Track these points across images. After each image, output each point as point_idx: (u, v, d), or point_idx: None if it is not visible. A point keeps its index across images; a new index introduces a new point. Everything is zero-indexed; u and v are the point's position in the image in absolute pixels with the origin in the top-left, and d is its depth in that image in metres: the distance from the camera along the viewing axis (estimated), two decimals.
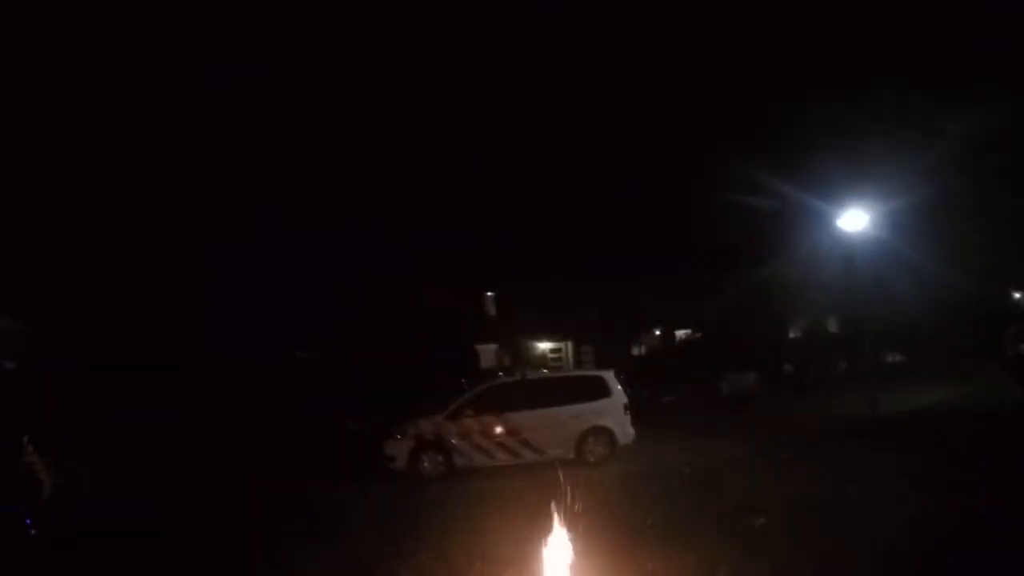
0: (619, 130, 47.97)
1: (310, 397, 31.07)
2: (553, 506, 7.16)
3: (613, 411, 18.05)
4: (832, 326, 49.83)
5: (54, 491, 6.79)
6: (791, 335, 49.75)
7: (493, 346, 42.99)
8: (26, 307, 26.91)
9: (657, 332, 48.93)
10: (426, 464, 17.35)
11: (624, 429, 17.96)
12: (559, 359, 45.08)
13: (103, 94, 33.09)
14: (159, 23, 35.79)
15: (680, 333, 49.08)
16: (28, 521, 6.52)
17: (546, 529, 7.15)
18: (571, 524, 7.13)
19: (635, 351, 47.46)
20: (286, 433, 26.75)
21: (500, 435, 17.44)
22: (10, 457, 6.48)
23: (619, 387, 18.57)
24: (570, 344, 45.59)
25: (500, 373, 25.31)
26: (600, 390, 18.33)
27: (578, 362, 43.67)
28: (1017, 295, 49.43)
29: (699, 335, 47.29)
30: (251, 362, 32.00)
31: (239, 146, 34.81)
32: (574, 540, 7.11)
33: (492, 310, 44.52)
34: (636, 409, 18.88)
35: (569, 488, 7.45)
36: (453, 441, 17.41)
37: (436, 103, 46.17)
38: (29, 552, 6.63)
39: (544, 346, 45.25)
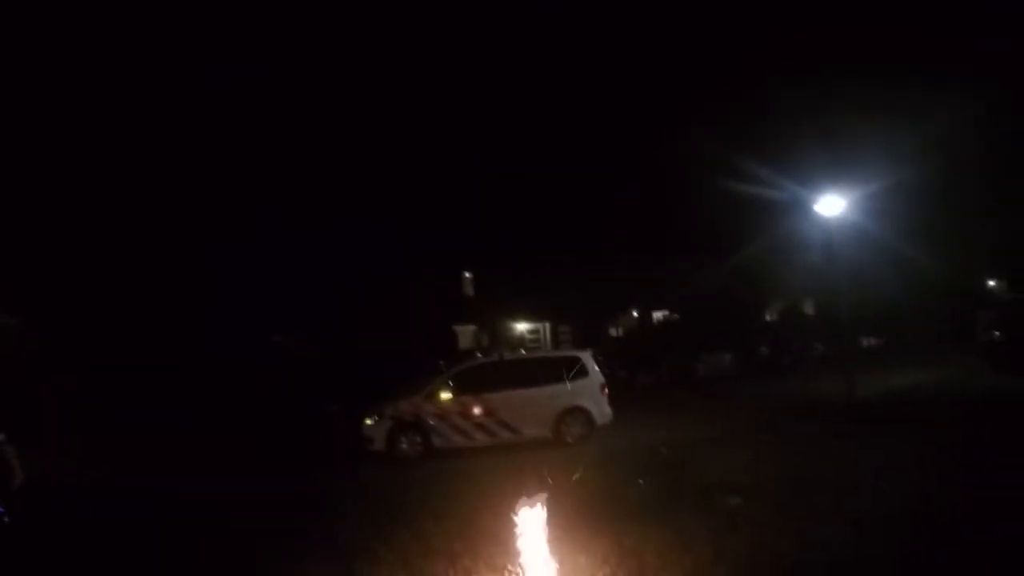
0: (597, 114, 48.10)
1: (288, 381, 31.00)
2: (531, 485, 7.20)
3: (590, 391, 18.15)
4: (808, 309, 50.16)
5: (42, 485, 6.75)
6: (768, 317, 50.02)
7: (471, 327, 43.00)
8: (19, 302, 26.76)
9: (635, 313, 49.06)
10: (404, 445, 17.37)
11: (601, 409, 18.06)
12: (537, 339, 45.13)
13: (103, 94, 33.00)
14: (159, 23, 35.71)
15: (657, 314, 49.23)
16: (1, 510, 6.48)
17: (524, 507, 7.18)
18: (549, 502, 7.16)
19: (613, 332, 47.61)
20: (265, 419, 26.69)
21: (478, 415, 17.48)
22: None
23: (596, 367, 18.65)
24: (548, 325, 45.64)
25: (478, 353, 25.32)
26: (577, 370, 18.39)
27: (556, 342, 43.73)
28: (991, 283, 49.85)
29: (676, 316, 47.46)
30: (229, 348, 31.93)
31: (231, 138, 34.75)
32: (552, 518, 7.14)
33: (470, 290, 44.48)
34: (613, 390, 18.95)
35: (547, 467, 7.46)
36: (431, 422, 17.43)
37: (424, 88, 46.16)
38: (2, 539, 6.60)
39: (522, 326, 45.28)
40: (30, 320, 27.24)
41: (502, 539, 7.62)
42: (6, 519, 6.49)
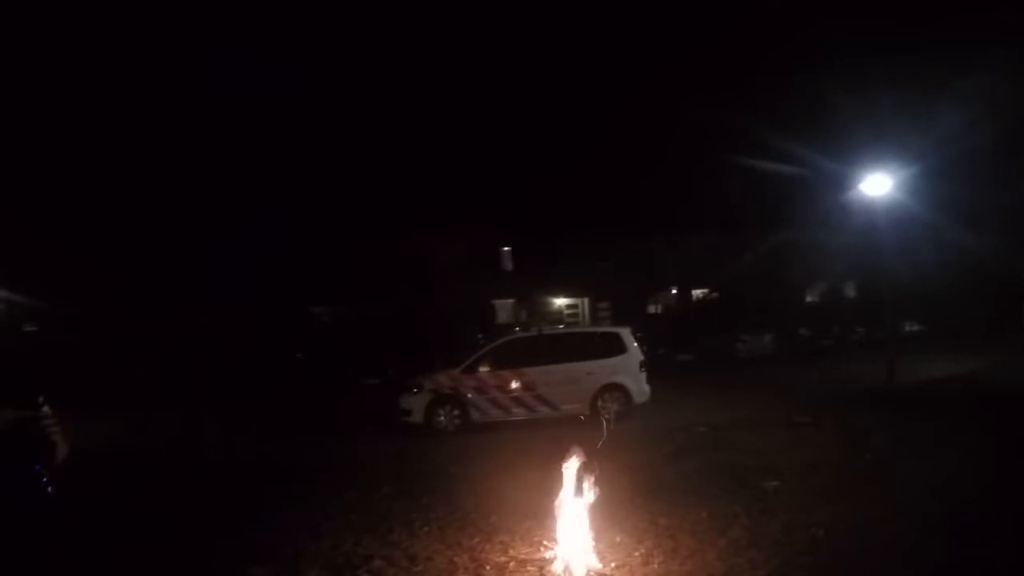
0: (640, 90, 47.90)
1: (329, 353, 31.30)
2: (567, 461, 7.23)
3: (629, 368, 18.10)
4: (850, 292, 49.72)
5: (72, 452, 6.89)
6: (808, 299, 49.65)
7: (510, 301, 43.11)
8: (46, 273, 27.34)
9: (673, 291, 48.91)
10: (442, 418, 17.45)
11: (640, 387, 18.02)
12: (575, 315, 45.14)
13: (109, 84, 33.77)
14: (161, 24, 36.31)
15: (696, 293, 49.05)
16: (45, 479, 6.65)
17: (561, 484, 7.22)
18: (585, 479, 7.19)
19: (652, 309, 47.51)
20: (306, 389, 26.95)
21: (516, 390, 17.51)
22: (27, 417, 6.58)
23: (635, 344, 18.58)
24: (586, 301, 45.63)
25: (516, 328, 25.41)
26: (616, 347, 18.35)
27: (594, 319, 43.73)
28: None
29: (715, 295, 47.25)
30: (270, 321, 32.27)
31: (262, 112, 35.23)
32: (588, 495, 7.18)
33: (509, 265, 44.55)
34: (652, 367, 18.89)
35: (583, 444, 7.50)
36: (469, 395, 17.50)
37: (454, 84, 46.27)
38: (46, 509, 6.77)
39: (561, 302, 45.30)
40: (47, 287, 27.81)
41: (538, 514, 7.66)
42: (50, 489, 6.64)
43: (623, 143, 43.64)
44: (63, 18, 34.69)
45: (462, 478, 11.34)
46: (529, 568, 7.33)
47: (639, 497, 9.31)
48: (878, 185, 21.71)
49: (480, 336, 22.71)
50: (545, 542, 7.63)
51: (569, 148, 42.14)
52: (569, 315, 44.95)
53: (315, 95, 37.70)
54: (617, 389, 17.92)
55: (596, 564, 7.11)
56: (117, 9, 34.03)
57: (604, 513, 7.78)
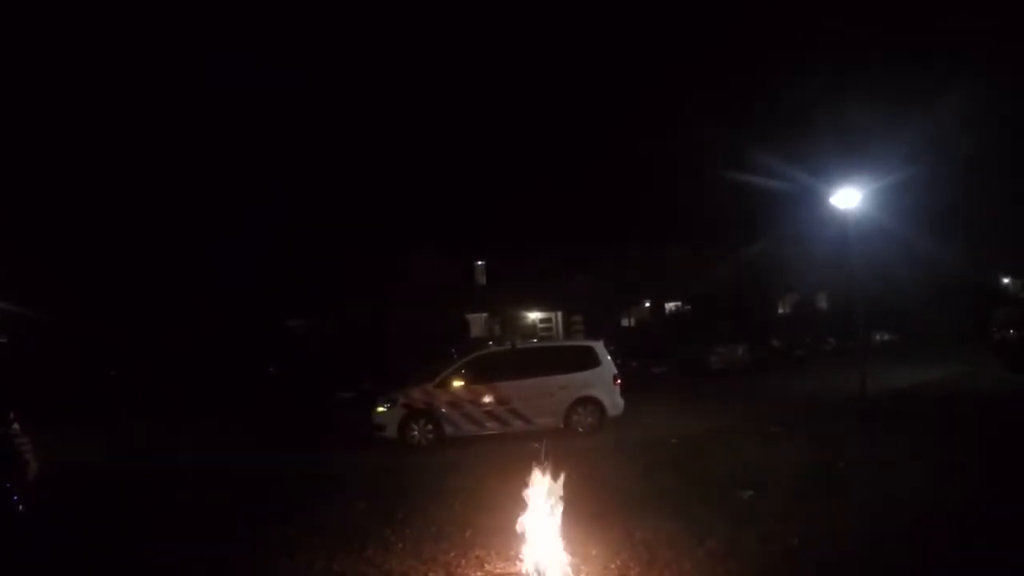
0: (612, 103, 48.17)
1: (303, 367, 31.13)
2: (542, 475, 7.19)
3: (602, 382, 18.12)
4: (822, 303, 50.09)
5: (42, 470, 6.78)
6: (780, 311, 49.95)
7: (483, 315, 43.05)
8: (19, 284, 26.97)
9: (647, 304, 49.04)
10: (415, 433, 17.38)
11: (613, 400, 18.03)
12: (549, 329, 45.14)
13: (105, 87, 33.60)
14: (163, 26, 36.32)
15: (669, 305, 49.20)
16: (15, 497, 6.52)
17: (535, 498, 7.18)
18: (560, 493, 7.16)
19: (625, 322, 47.60)
20: (278, 403, 26.77)
21: (489, 404, 17.47)
22: None
23: (608, 358, 18.62)
24: (560, 314, 45.64)
25: (490, 342, 25.34)
26: (590, 360, 18.37)
27: (568, 332, 43.74)
28: (1005, 280, 49.62)
29: (688, 308, 47.44)
30: (243, 332, 32.07)
31: (249, 132, 35.15)
32: (563, 509, 7.14)
33: (482, 279, 44.50)
34: (625, 380, 18.91)
35: (558, 458, 7.46)
36: (442, 410, 17.43)
37: (431, 87, 46.43)
38: (17, 527, 6.64)
39: (534, 316, 45.28)
40: (25, 298, 27.47)
41: (513, 528, 7.63)
42: (21, 508, 6.53)
43: (596, 157, 43.72)
44: (60, 19, 34.51)
45: (436, 493, 11.27)
46: None
47: (614, 510, 9.28)
48: (848, 198, 21.89)
49: (453, 350, 22.55)
50: (521, 556, 7.58)
51: (542, 162, 42.22)
52: (542, 329, 44.93)
53: (290, 108, 37.74)
54: (591, 402, 17.93)
55: None
56: (115, 11, 33.89)
57: (579, 526, 7.75)
